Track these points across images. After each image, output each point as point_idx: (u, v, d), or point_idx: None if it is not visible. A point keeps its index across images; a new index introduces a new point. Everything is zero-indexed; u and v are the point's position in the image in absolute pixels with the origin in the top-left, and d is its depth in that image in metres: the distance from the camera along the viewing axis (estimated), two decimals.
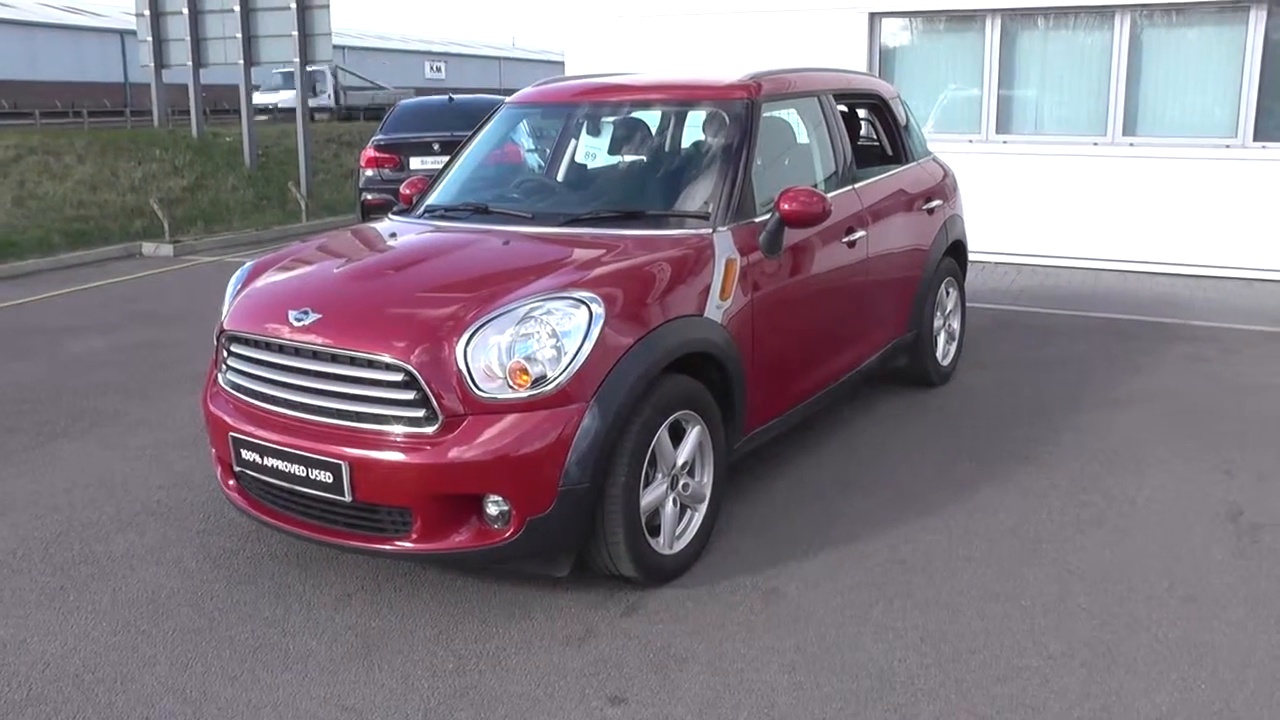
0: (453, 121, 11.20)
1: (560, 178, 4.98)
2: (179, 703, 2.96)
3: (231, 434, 3.55)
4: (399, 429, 3.25)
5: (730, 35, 9.97)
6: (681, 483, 3.60)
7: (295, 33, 14.50)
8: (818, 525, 4.03)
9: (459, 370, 3.20)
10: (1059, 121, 9.36)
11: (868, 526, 4.01)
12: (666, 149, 4.79)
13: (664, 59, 9.86)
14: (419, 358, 3.21)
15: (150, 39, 15.78)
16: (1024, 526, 4.01)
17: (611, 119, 4.85)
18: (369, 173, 11.14)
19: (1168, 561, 3.70)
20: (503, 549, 3.27)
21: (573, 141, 5.08)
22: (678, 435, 3.58)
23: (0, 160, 13.78)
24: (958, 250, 5.98)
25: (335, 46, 16.57)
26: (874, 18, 9.69)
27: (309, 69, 15.92)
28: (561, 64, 11.10)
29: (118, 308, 8.34)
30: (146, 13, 15.63)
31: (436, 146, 10.93)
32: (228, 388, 3.69)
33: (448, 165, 4.88)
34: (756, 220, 4.07)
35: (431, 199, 4.65)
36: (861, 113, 5.77)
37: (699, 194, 4.12)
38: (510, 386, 3.20)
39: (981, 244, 8.66)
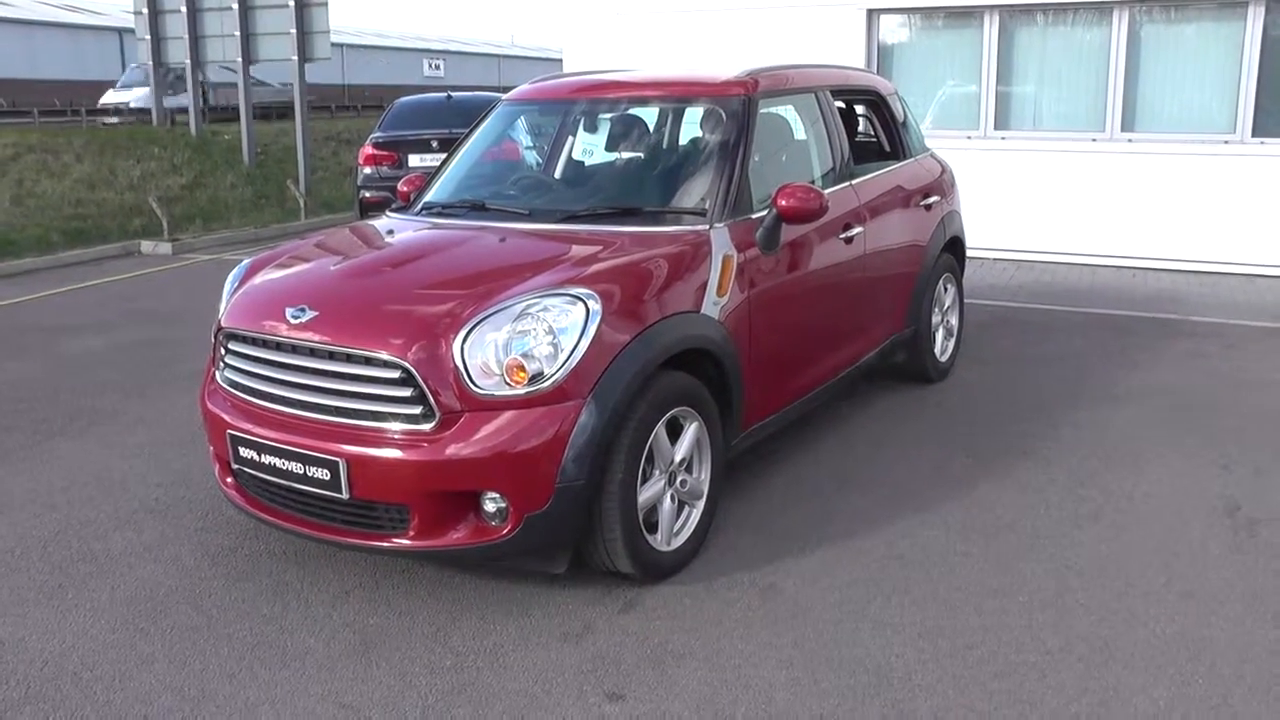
0: (451, 119, 11.19)
1: (557, 175, 4.97)
2: (177, 700, 2.96)
3: (229, 432, 3.55)
4: (396, 426, 3.25)
5: (728, 32, 9.97)
6: (679, 479, 3.60)
7: (294, 30, 14.53)
8: (815, 522, 4.03)
9: (456, 367, 3.20)
10: (1057, 117, 9.36)
11: (865, 523, 4.01)
12: (664, 146, 4.79)
13: (662, 56, 9.85)
14: (416, 355, 3.21)
15: (149, 37, 15.79)
16: (1022, 522, 4.01)
17: (609, 116, 4.84)
18: (367, 170, 11.15)
19: (1165, 557, 3.71)
20: (500, 546, 3.27)
21: (570, 138, 5.07)
22: (675, 432, 3.59)
23: None
24: (955, 246, 5.98)
25: (333, 44, 16.58)
26: (872, 14, 9.68)
27: (167, 65, 16.06)
28: (560, 61, 11.11)
29: (116, 306, 8.33)
30: (145, 10, 15.64)
31: (435, 144, 10.94)
32: (225, 385, 3.69)
33: (445, 162, 4.88)
34: (754, 216, 4.07)
35: (429, 196, 4.65)
36: (859, 109, 5.76)
37: (696, 190, 4.12)
38: (507, 383, 3.20)
39: (980, 240, 8.67)
